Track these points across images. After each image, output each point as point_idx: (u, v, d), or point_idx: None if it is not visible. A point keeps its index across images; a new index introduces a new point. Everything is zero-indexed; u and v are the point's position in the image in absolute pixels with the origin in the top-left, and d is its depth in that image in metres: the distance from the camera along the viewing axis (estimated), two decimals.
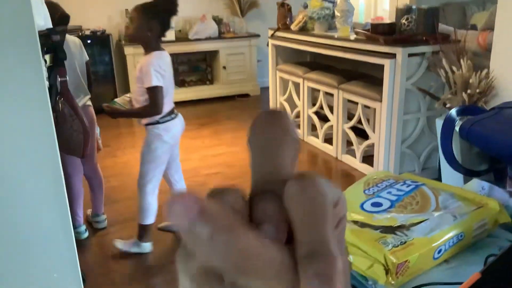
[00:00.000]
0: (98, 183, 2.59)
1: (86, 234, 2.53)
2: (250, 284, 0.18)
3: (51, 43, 1.89)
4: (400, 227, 0.70)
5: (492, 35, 2.64)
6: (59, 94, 1.90)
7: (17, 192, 1.38)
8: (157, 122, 2.20)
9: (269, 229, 0.19)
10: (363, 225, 0.72)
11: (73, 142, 1.94)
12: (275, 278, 0.18)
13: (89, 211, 2.66)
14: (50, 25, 2.35)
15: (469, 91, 2.61)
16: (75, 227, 2.56)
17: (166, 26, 2.18)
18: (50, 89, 1.79)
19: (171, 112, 2.25)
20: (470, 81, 2.59)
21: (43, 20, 2.14)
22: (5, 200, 1.36)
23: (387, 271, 0.66)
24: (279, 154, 0.20)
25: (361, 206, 0.75)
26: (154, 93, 2.09)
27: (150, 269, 2.24)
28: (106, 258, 2.37)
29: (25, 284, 1.45)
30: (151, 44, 2.15)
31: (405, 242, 0.68)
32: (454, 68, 2.71)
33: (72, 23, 2.72)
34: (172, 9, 2.16)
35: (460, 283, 0.67)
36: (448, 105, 2.86)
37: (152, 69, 2.07)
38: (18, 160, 1.36)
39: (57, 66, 1.92)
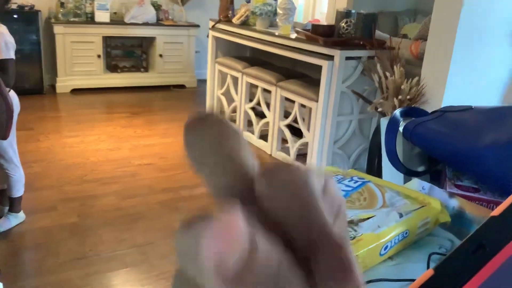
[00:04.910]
0: None
1: None
2: None
3: None
4: (349, 223, 0.70)
5: (424, 45, 2.78)
6: None
7: None
8: None
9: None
10: None
11: None
12: None
13: None
14: None
15: (400, 96, 2.72)
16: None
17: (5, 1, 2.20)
18: None
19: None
20: (402, 87, 2.70)
21: None
22: None
23: None
24: (235, 148, 0.17)
25: None
26: (9, 64, 2.04)
27: (64, 263, 2.10)
28: (22, 248, 2.21)
29: None
30: None
31: (354, 238, 0.67)
32: (387, 74, 2.82)
33: None
34: None
35: (405, 280, 0.68)
36: (379, 109, 2.97)
37: (4, 40, 2.03)
38: None
39: None
